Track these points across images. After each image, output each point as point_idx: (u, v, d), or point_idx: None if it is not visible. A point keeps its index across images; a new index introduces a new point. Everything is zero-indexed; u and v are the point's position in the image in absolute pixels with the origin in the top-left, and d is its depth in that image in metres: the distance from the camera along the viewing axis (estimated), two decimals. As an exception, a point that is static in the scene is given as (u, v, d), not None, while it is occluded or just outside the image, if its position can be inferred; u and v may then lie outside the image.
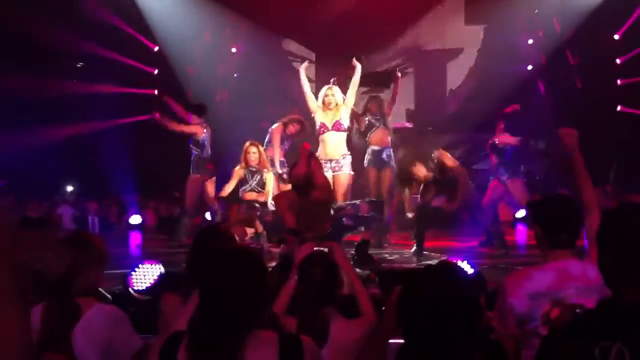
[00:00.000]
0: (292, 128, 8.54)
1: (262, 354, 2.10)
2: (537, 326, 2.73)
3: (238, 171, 7.89)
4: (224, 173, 8.58)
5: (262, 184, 7.82)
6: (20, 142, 10.19)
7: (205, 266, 2.24)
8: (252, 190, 7.82)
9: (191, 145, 8.89)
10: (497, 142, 8.24)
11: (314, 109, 7.56)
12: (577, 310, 2.29)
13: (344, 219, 6.74)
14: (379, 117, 8.36)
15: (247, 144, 7.88)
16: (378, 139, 8.31)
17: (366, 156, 8.37)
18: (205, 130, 8.88)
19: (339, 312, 3.06)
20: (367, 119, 8.30)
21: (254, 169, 7.80)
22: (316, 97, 7.64)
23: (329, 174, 7.23)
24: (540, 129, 12.78)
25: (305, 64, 7.94)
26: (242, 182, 7.90)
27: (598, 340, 1.73)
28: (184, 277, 3.10)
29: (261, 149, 7.93)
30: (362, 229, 7.10)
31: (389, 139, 8.42)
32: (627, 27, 12.18)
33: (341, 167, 7.33)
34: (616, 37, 12.38)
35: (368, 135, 8.30)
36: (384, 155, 8.29)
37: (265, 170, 7.85)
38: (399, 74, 9.08)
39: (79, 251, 3.00)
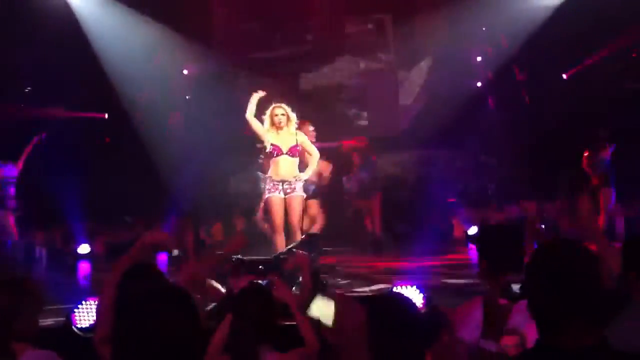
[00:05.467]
0: None
1: None
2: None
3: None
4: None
5: None
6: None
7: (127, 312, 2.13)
8: None
9: None
10: None
11: (261, 132, 7.24)
12: None
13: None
14: None
15: None
16: None
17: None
18: None
19: (273, 347, 3.01)
20: None
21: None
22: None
23: (280, 196, 7.13)
24: (491, 144, 13.01)
25: (258, 95, 7.39)
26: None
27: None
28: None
29: None
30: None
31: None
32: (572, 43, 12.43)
33: (294, 189, 7.17)
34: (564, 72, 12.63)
35: None
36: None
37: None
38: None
39: (13, 297, 2.93)
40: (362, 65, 14.39)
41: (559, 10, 11.95)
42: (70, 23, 11.68)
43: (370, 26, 14.37)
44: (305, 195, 7.34)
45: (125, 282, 2.95)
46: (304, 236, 6.94)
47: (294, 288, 4.79)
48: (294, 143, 7.18)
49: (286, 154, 7.12)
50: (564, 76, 12.78)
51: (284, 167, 7.14)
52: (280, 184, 7.14)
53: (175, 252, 7.18)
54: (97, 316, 2.91)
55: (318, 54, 14.09)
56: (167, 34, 12.56)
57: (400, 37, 14.10)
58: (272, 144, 7.15)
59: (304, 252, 5.52)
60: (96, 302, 4.58)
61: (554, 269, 1.79)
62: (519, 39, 12.16)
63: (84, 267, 9.73)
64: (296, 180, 7.17)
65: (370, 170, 9.88)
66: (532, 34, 12.07)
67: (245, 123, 7.27)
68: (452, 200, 12.57)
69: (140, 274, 2.96)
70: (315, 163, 7.42)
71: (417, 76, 14.37)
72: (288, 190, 7.14)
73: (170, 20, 12.43)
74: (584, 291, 1.74)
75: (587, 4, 11.41)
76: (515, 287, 2.56)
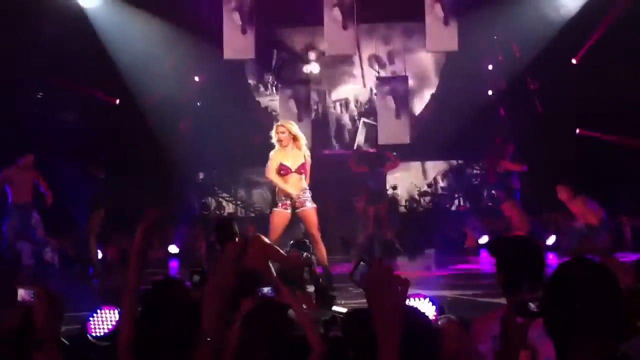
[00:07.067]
0: None
1: None
2: None
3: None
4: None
5: None
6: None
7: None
8: None
9: None
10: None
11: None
12: None
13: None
14: None
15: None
16: None
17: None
18: None
19: None
20: None
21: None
22: None
23: (286, 212, 7.05)
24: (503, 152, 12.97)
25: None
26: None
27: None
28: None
29: None
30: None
31: None
32: (584, 52, 12.38)
33: (303, 202, 7.11)
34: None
35: None
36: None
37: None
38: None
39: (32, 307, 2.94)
40: (373, 73, 14.43)
41: (572, 19, 11.93)
42: (83, 28, 11.73)
43: (381, 33, 14.44)
44: (315, 206, 7.27)
45: (151, 294, 2.96)
46: (291, 242, 7.09)
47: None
48: (302, 161, 7.15)
49: (294, 172, 7.10)
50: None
51: (292, 184, 7.10)
52: (289, 199, 7.12)
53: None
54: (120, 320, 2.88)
55: (329, 63, 14.16)
56: (180, 40, 12.62)
57: (411, 45, 14.16)
58: (280, 164, 7.10)
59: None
60: (113, 310, 4.62)
61: (573, 287, 1.82)
62: (531, 48, 12.13)
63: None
64: (303, 192, 7.14)
65: (378, 180, 10.08)
66: (544, 42, 12.05)
67: (255, 133, 7.36)
68: (463, 208, 12.56)
69: (166, 287, 2.97)
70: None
71: (428, 84, 14.38)
72: (298, 205, 7.11)
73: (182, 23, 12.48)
74: (602, 308, 1.78)
75: (601, 14, 11.44)
76: (533, 306, 2.55)
